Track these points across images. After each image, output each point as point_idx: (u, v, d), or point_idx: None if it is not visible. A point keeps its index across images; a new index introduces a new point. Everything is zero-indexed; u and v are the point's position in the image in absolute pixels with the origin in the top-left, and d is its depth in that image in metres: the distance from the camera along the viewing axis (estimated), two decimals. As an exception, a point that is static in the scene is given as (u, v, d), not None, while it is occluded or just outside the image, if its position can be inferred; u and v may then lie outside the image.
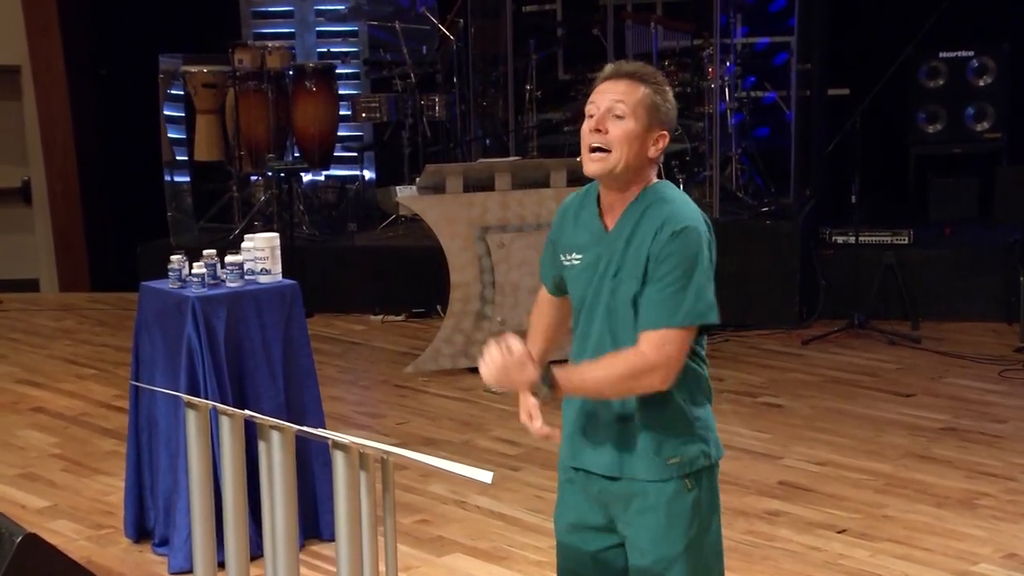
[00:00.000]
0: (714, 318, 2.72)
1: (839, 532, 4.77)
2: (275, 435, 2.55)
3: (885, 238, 8.07)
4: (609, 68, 2.80)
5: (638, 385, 2.71)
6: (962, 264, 7.99)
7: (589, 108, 2.77)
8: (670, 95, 2.80)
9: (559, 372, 2.70)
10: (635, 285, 2.74)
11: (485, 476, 2.54)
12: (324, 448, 4.85)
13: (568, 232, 2.88)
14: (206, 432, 2.73)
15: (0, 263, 10.04)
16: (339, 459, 2.49)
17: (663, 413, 2.79)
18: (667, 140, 2.78)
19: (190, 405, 2.67)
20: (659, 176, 2.89)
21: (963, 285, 7.94)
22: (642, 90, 2.73)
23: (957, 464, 5.46)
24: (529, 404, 2.79)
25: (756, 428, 6.05)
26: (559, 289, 2.98)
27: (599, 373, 2.71)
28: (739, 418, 6.20)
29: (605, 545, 2.91)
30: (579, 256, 2.84)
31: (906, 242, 8.07)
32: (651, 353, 2.68)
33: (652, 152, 2.76)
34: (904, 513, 4.93)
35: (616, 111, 2.72)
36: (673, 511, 2.80)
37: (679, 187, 8.66)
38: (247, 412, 2.62)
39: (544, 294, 3.06)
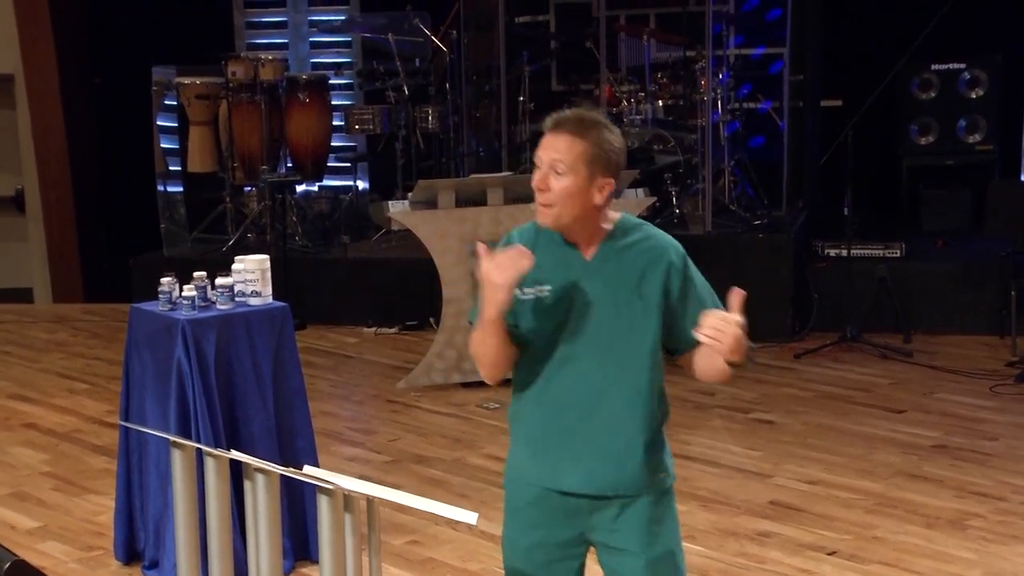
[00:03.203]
0: None
1: (829, 554, 4.77)
2: (260, 477, 2.55)
3: (878, 251, 8.09)
4: (549, 120, 2.88)
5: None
6: (954, 277, 7.99)
7: (536, 160, 2.87)
8: (615, 140, 2.87)
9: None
10: (638, 311, 2.86)
11: (470, 517, 2.54)
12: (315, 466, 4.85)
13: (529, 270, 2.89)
14: (192, 472, 2.73)
15: (-6, 272, 10.06)
16: (323, 502, 2.49)
17: (656, 432, 2.95)
18: (613, 186, 2.86)
19: (176, 445, 2.67)
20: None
21: (955, 298, 7.95)
22: (581, 144, 2.81)
23: (948, 483, 5.47)
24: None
25: (747, 445, 6.05)
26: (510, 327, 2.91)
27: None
28: (730, 435, 6.21)
29: (566, 556, 2.96)
30: (547, 287, 2.89)
31: (898, 255, 8.08)
32: None
33: (598, 200, 2.85)
34: (894, 534, 4.94)
35: (557, 168, 2.82)
36: (662, 513, 2.95)
37: (672, 199, 8.68)
38: (233, 453, 2.62)
39: None
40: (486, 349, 2.86)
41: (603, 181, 2.83)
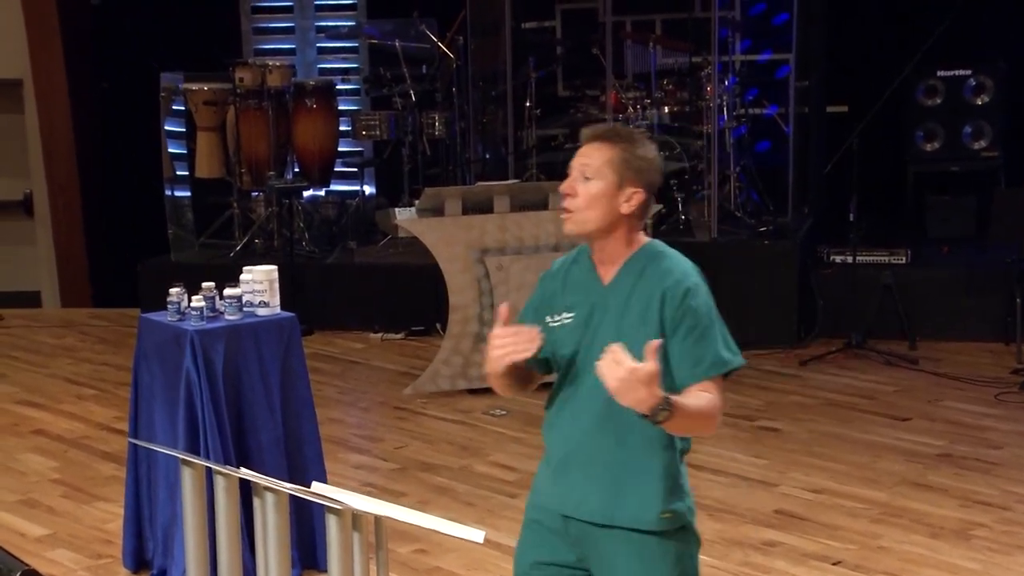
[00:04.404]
0: (743, 360, 2.87)
1: (834, 564, 4.79)
2: (269, 496, 2.58)
3: (883, 257, 8.10)
4: (584, 132, 2.92)
5: (711, 425, 2.81)
6: (959, 284, 8.01)
7: (568, 170, 2.89)
8: (646, 152, 2.87)
9: (673, 396, 2.66)
10: (641, 339, 2.71)
11: (476, 535, 2.57)
12: (322, 476, 4.88)
13: (557, 294, 2.95)
14: (202, 489, 2.76)
15: (2, 275, 10.08)
16: (332, 520, 2.52)
17: (663, 465, 2.88)
18: (643, 196, 2.85)
19: (186, 463, 2.70)
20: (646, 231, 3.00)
21: (960, 305, 7.96)
22: (610, 151, 2.84)
23: (952, 492, 5.49)
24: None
25: (753, 453, 6.07)
26: (536, 360, 2.93)
27: (698, 403, 2.74)
28: (736, 443, 6.23)
29: None
30: (571, 314, 2.90)
31: (904, 261, 8.10)
32: (717, 398, 2.79)
33: (625, 208, 2.84)
34: (899, 544, 4.96)
35: (585, 172, 2.84)
36: (656, 564, 2.89)
37: (678, 206, 8.71)
38: (243, 471, 2.65)
39: None
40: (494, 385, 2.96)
41: (632, 191, 2.83)
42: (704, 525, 5.14)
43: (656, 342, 2.62)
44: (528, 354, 2.75)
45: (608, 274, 2.89)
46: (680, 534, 2.91)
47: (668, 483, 2.87)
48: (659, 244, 2.93)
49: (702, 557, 4.79)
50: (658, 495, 2.86)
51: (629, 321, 2.82)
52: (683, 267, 2.87)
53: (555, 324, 2.91)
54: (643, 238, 2.92)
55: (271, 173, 8.92)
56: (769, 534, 5.08)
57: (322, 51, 10.47)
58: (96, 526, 5.35)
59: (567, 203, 2.85)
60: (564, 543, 2.94)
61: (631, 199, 2.84)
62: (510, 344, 2.75)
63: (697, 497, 5.35)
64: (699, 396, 2.75)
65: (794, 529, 5.13)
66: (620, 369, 2.56)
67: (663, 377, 2.70)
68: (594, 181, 2.83)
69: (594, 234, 2.86)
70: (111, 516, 5.37)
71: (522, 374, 2.93)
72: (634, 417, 2.74)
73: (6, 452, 6.37)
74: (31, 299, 10.03)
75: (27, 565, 3.19)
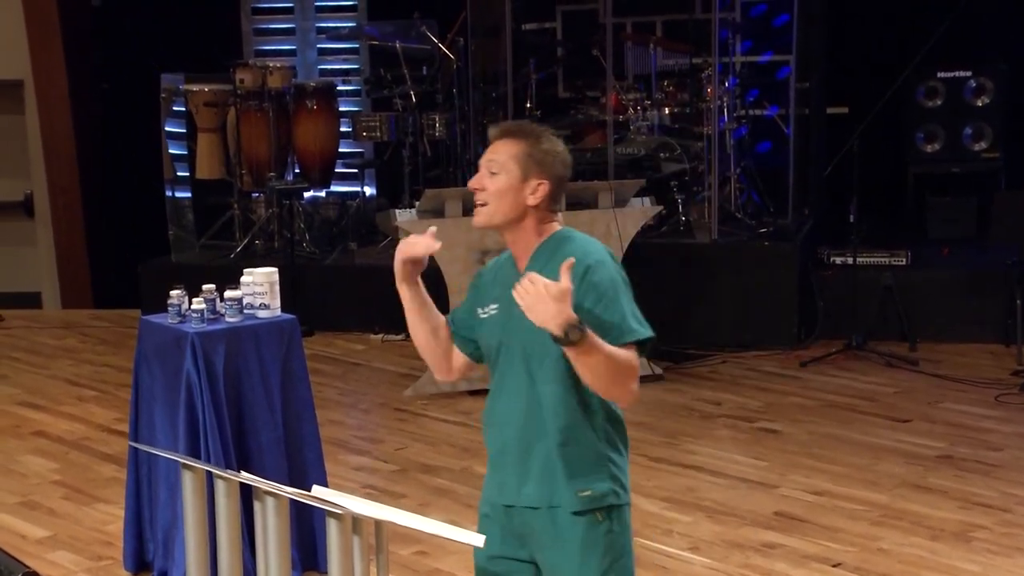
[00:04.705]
0: (652, 331, 2.91)
1: (834, 566, 4.79)
2: (270, 500, 2.59)
3: (883, 259, 8.11)
4: (491, 130, 3.05)
5: (625, 383, 2.83)
6: (960, 285, 8.01)
7: (478, 167, 3.02)
8: (552, 145, 2.98)
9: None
10: None
11: (477, 540, 2.58)
12: (322, 478, 4.89)
13: (488, 287, 3.06)
14: (202, 493, 2.76)
15: (3, 276, 10.09)
16: (332, 525, 2.52)
17: (580, 447, 2.94)
18: (548, 188, 2.94)
19: (187, 467, 2.71)
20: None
21: (961, 306, 7.96)
22: (515, 145, 2.95)
23: (952, 494, 5.49)
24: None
25: (753, 455, 6.07)
26: (461, 335, 3.11)
27: (612, 351, 2.78)
28: (736, 444, 6.24)
29: (523, 571, 3.04)
30: (495, 305, 3.00)
31: (904, 263, 8.11)
32: (633, 359, 2.84)
33: (531, 200, 2.95)
34: (899, 546, 4.96)
35: (491, 168, 2.96)
36: (588, 541, 2.94)
37: (678, 207, 8.70)
38: (243, 475, 2.65)
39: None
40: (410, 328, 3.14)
41: (536, 182, 2.93)
42: (704, 527, 5.18)
43: (571, 260, 2.73)
44: (421, 251, 2.97)
45: (523, 264, 2.99)
46: (610, 521, 2.96)
47: (589, 464, 2.93)
48: (568, 230, 3.01)
49: (701, 559, 4.85)
50: (578, 475, 2.92)
51: None
52: (586, 248, 2.94)
53: (484, 316, 3.03)
54: (555, 227, 3.00)
55: (272, 174, 8.93)
56: (769, 536, 5.09)
57: (323, 52, 10.48)
58: (97, 528, 5.35)
59: (476, 197, 2.96)
60: (510, 535, 3.02)
61: (536, 191, 2.94)
62: (412, 243, 2.99)
63: (697, 499, 5.44)
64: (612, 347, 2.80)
65: (794, 531, 5.13)
66: (533, 287, 2.68)
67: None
68: (500, 175, 2.94)
69: (503, 226, 2.97)
70: (112, 518, 5.37)
71: (443, 344, 3.09)
72: (547, 401, 2.87)
73: (7, 454, 6.38)
74: (32, 300, 10.04)
75: (28, 567, 3.20)
